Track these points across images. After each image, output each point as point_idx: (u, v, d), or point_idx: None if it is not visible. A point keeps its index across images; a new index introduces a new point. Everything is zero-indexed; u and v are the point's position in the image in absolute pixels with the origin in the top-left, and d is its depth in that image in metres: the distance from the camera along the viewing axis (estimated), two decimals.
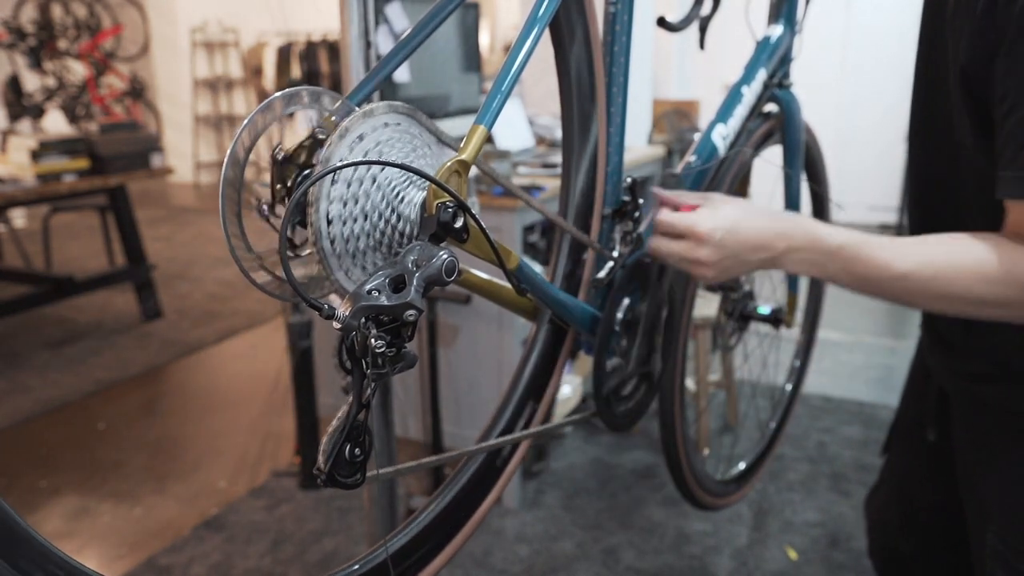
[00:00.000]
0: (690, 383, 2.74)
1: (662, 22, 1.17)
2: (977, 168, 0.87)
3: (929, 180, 1.04)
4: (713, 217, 0.84)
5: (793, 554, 2.20)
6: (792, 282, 1.43)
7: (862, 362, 3.54)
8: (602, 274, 0.95)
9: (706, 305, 2.53)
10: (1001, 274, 0.76)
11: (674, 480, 1.26)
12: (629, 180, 0.95)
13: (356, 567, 0.68)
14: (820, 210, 1.57)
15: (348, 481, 0.59)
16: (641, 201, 0.97)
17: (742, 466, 1.52)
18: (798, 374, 1.65)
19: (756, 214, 0.86)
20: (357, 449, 0.59)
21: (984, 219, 0.85)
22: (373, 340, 0.54)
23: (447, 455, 0.77)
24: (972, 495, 1.04)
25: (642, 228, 0.95)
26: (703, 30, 1.24)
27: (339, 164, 0.57)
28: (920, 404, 1.21)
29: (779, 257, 0.85)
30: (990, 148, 0.81)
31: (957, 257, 0.78)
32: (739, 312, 1.37)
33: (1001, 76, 0.76)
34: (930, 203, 1.04)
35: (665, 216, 0.87)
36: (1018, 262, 0.76)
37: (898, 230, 4.99)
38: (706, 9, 1.22)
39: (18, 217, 6.13)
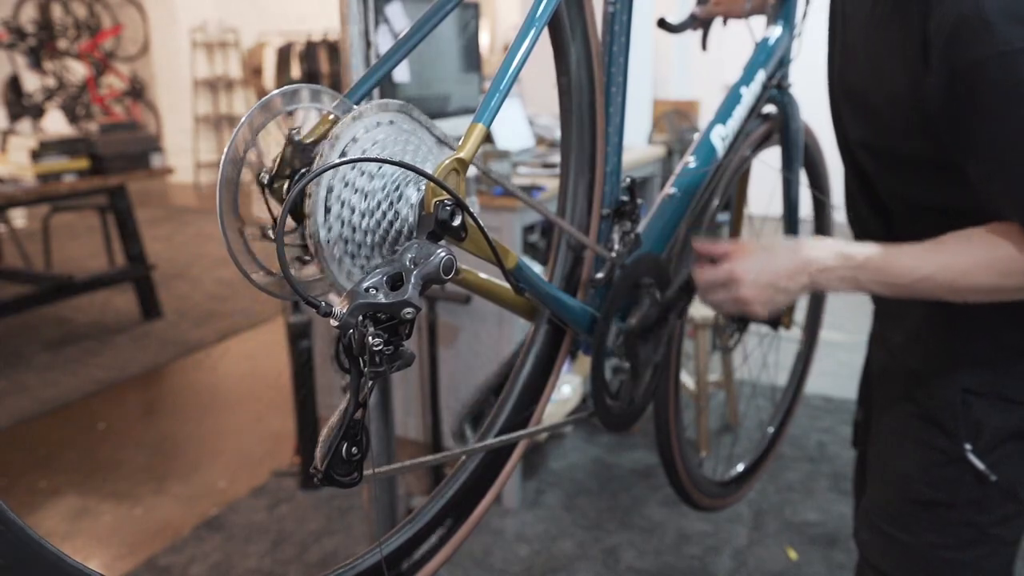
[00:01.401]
0: (690, 383, 2.74)
1: (663, 23, 1.17)
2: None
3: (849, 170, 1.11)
4: (746, 259, 0.94)
5: (793, 554, 2.20)
6: None
7: (862, 362, 3.53)
8: (601, 274, 0.95)
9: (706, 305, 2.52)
10: (1016, 266, 0.84)
11: (671, 482, 1.26)
12: (628, 180, 0.95)
13: (351, 567, 0.68)
14: (820, 210, 1.56)
15: (345, 480, 0.59)
16: (640, 201, 0.97)
17: (741, 468, 1.51)
18: (799, 378, 1.64)
19: (784, 247, 0.95)
20: (354, 448, 0.59)
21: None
22: (371, 338, 0.54)
23: (445, 454, 0.77)
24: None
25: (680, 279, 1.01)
26: (705, 31, 1.25)
27: (335, 162, 0.57)
28: (860, 387, 1.30)
29: (815, 278, 0.93)
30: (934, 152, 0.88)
31: (974, 255, 0.86)
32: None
33: (979, 139, 0.82)
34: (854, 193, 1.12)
35: (705, 273, 0.97)
36: None
37: None
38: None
39: (18, 217, 6.12)
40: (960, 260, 0.86)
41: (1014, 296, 0.87)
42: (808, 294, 0.97)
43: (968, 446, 0.94)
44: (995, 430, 0.94)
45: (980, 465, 0.94)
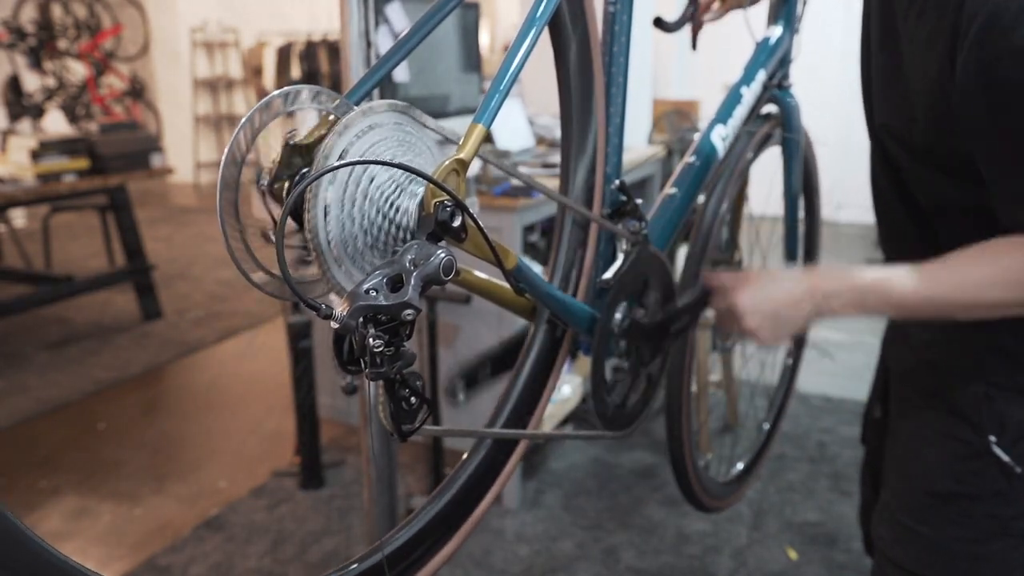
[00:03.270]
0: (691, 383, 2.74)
1: (659, 22, 1.17)
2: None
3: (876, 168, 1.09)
4: (747, 291, 0.95)
5: (793, 554, 2.20)
6: None
7: (862, 362, 3.53)
8: (607, 275, 0.95)
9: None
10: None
11: (679, 484, 1.26)
12: (617, 182, 0.95)
13: (353, 567, 0.68)
14: (811, 209, 1.56)
15: (416, 426, 0.63)
16: (640, 201, 0.96)
17: (740, 467, 1.52)
18: (790, 373, 1.64)
19: (788, 275, 0.96)
20: (412, 398, 0.62)
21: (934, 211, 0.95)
22: (371, 340, 0.54)
23: (474, 431, 0.80)
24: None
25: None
26: (695, 30, 1.25)
27: (335, 164, 0.57)
28: (874, 384, 1.27)
29: (821, 305, 0.93)
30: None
31: (984, 271, 0.86)
32: None
33: (998, 134, 0.81)
34: (885, 195, 1.10)
35: (715, 305, 1.01)
36: None
37: None
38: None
39: (18, 217, 6.12)
40: (970, 277, 0.86)
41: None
42: (817, 320, 0.97)
43: (993, 438, 0.94)
44: (1019, 423, 0.94)
45: (1005, 458, 0.93)
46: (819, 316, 0.94)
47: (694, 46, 1.26)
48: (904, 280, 0.88)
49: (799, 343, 1.66)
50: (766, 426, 1.60)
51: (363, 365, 0.57)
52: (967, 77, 0.81)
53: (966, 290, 0.86)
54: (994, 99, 0.80)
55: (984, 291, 0.85)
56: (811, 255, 1.60)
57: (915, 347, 1.08)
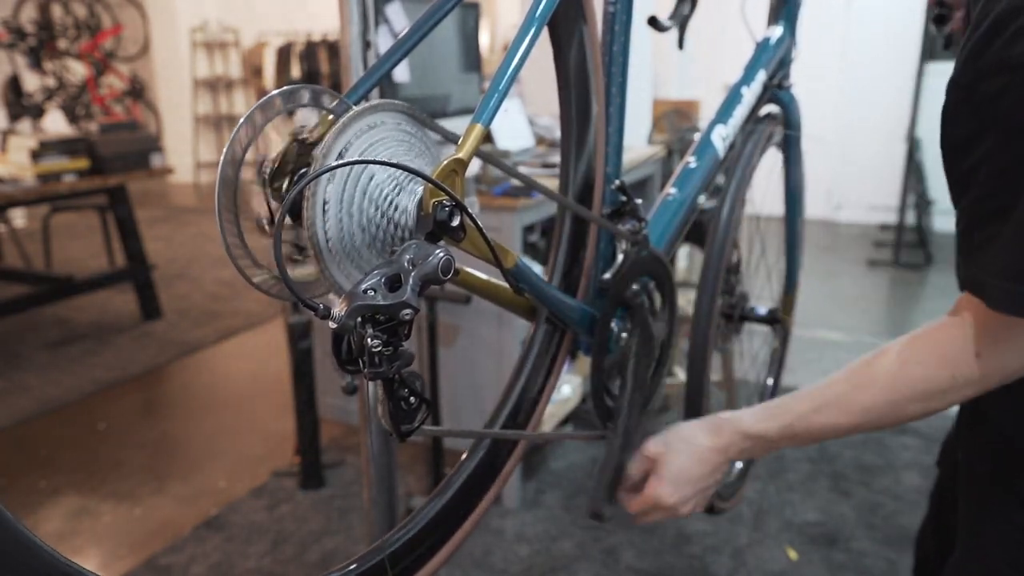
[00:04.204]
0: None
1: (653, 21, 1.17)
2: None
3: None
4: (664, 482, 0.91)
5: (793, 554, 2.20)
6: (789, 284, 1.43)
7: None
8: (607, 275, 0.95)
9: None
10: (946, 383, 0.78)
11: None
12: (617, 182, 0.95)
13: (353, 567, 0.68)
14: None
15: (414, 426, 0.63)
16: (639, 201, 0.96)
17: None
18: (777, 367, 1.64)
19: (697, 447, 0.92)
20: (411, 398, 0.62)
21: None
22: (369, 340, 0.54)
23: (473, 431, 0.79)
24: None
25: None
26: (682, 29, 1.24)
27: (334, 164, 0.57)
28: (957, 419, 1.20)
29: (737, 458, 0.93)
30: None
31: (893, 387, 0.81)
32: (736, 314, 1.37)
33: (998, 167, 0.71)
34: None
35: (632, 504, 0.96)
36: (959, 361, 0.77)
37: (898, 230, 4.98)
38: (687, 8, 1.21)
39: (18, 217, 6.13)
40: (880, 397, 0.82)
41: (952, 405, 0.81)
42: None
43: None
44: None
45: None
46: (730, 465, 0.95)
47: (680, 45, 1.26)
48: (816, 420, 0.85)
49: (784, 337, 1.65)
50: None
51: (362, 365, 0.57)
52: (961, 89, 0.72)
53: (887, 410, 0.82)
54: (987, 114, 0.70)
55: (907, 408, 0.81)
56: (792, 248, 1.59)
57: (987, 413, 0.98)
